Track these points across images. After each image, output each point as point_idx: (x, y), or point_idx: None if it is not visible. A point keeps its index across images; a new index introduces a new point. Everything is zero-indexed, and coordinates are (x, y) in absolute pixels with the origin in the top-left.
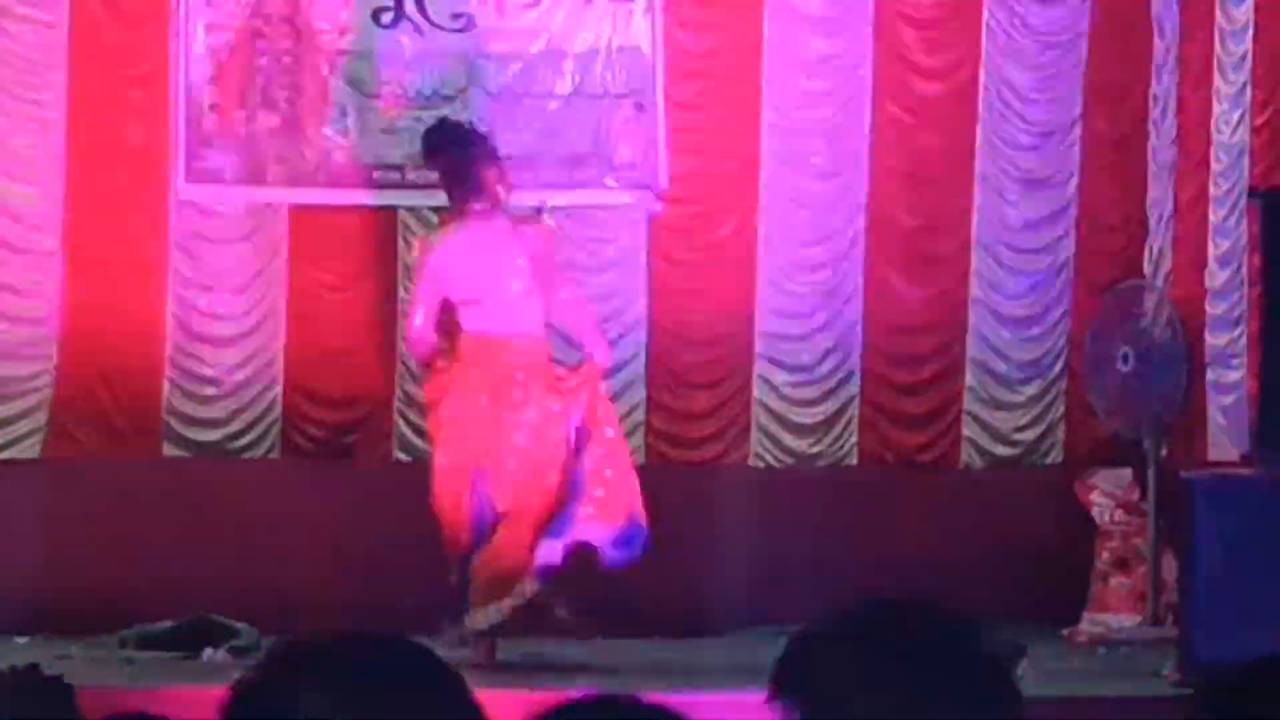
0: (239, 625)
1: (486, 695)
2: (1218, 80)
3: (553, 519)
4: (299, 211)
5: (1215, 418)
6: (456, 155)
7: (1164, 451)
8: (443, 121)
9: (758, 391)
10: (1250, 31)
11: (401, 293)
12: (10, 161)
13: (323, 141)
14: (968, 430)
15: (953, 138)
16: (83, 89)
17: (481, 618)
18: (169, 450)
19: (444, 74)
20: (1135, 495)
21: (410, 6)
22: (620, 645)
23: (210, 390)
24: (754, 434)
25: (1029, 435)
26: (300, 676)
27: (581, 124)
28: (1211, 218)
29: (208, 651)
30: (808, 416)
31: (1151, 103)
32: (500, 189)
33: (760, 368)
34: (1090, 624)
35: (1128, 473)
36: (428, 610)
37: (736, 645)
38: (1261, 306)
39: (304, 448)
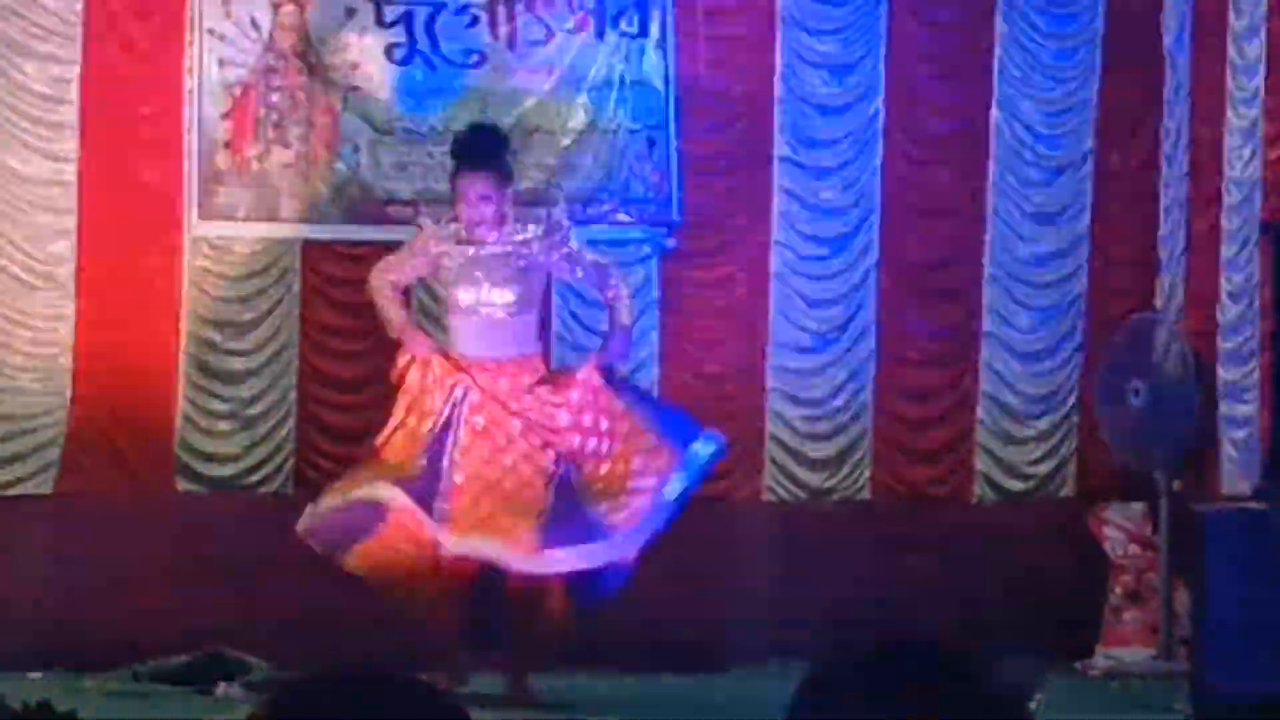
0: (252, 660)
1: None
2: (1230, 115)
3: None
4: (312, 247)
5: (1228, 452)
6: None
7: (1177, 485)
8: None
9: (770, 426)
10: (1262, 66)
11: None
12: (25, 197)
13: (335, 177)
14: (980, 464)
15: (965, 173)
16: (97, 125)
17: None
18: (182, 485)
19: (457, 110)
20: (1148, 529)
21: (423, 42)
22: (632, 680)
23: (224, 425)
24: (767, 468)
25: (1041, 469)
26: (310, 714)
27: (594, 159)
28: (1224, 252)
29: (221, 686)
30: (820, 451)
31: (1164, 137)
32: (463, 208)
33: (773, 402)
34: (1103, 657)
35: (1140, 506)
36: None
37: (749, 680)
38: (1273, 340)
39: (318, 482)
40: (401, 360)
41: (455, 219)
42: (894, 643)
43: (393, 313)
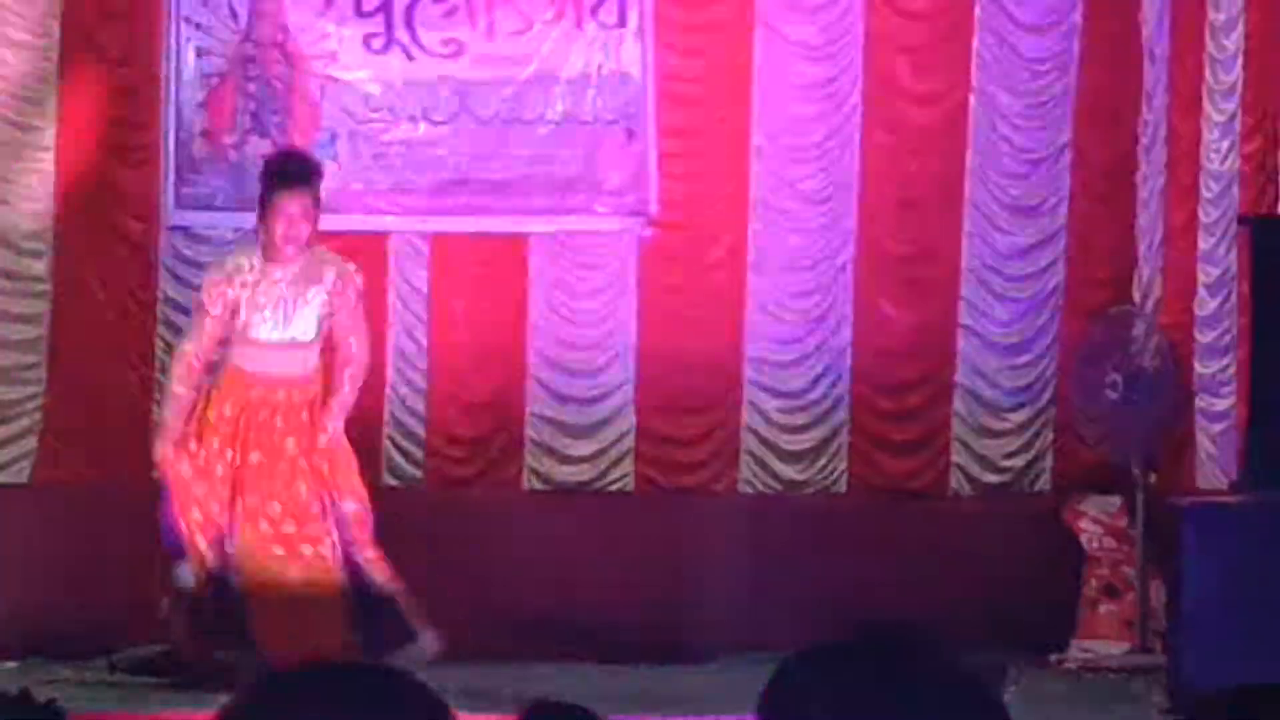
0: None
1: None
2: (1208, 108)
3: None
4: None
5: (1204, 445)
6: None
7: (1153, 478)
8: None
9: (747, 418)
10: (1240, 60)
11: (390, 317)
12: (1, 187)
13: None
14: (957, 457)
15: (943, 164)
16: (73, 114)
17: None
18: (158, 474)
19: (434, 99)
20: (1124, 522)
21: (401, 32)
22: (607, 672)
23: None
24: (743, 460)
25: (1018, 462)
26: (285, 703)
27: (571, 150)
28: (1201, 245)
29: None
30: (797, 443)
31: (1142, 130)
32: (280, 224)
33: (749, 394)
34: (1079, 651)
35: (1117, 500)
36: None
37: (724, 672)
38: (1250, 334)
39: None
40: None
41: (257, 248)
42: (865, 632)
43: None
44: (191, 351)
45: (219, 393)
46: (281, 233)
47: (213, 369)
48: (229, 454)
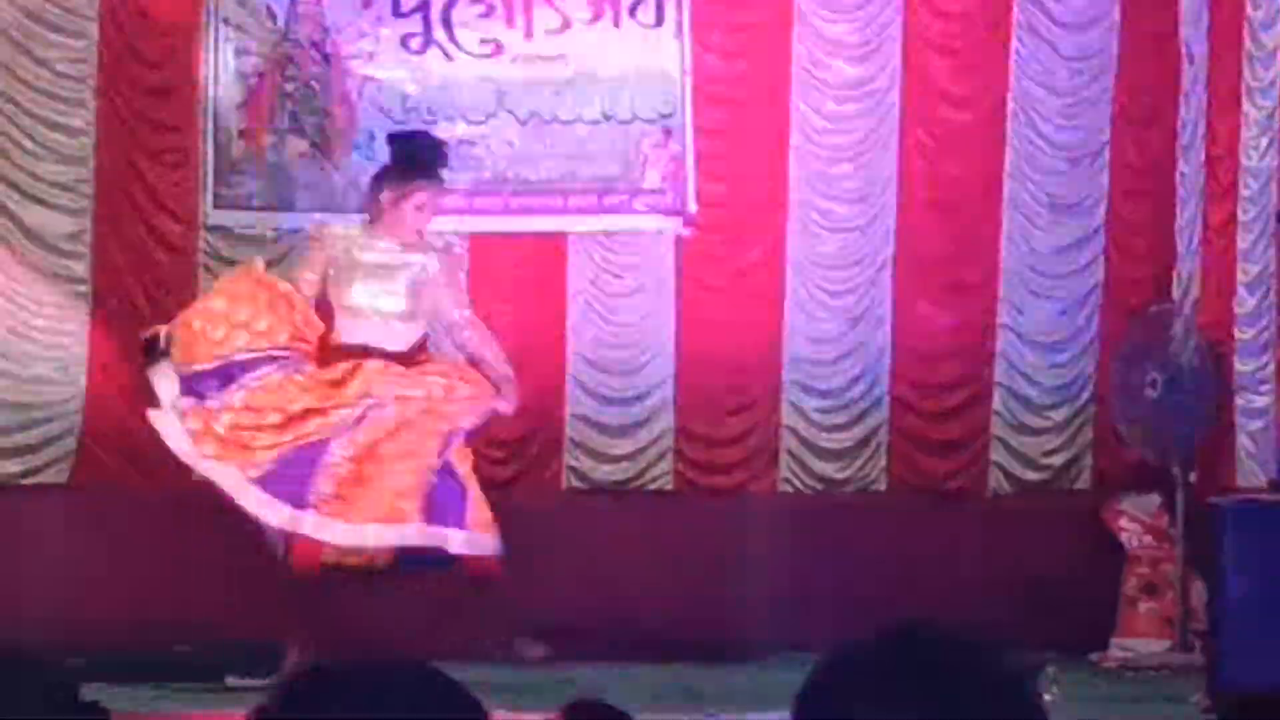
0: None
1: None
2: (1246, 106)
3: None
4: None
5: (1244, 443)
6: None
7: (1192, 477)
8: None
9: (786, 417)
10: (1279, 57)
11: None
12: (40, 188)
13: (351, 167)
14: (996, 456)
15: (981, 164)
16: (112, 115)
17: None
18: (198, 475)
19: (472, 99)
20: (1164, 521)
21: (439, 32)
22: (646, 670)
23: None
24: (782, 459)
25: (1057, 460)
26: (318, 703)
27: (610, 149)
28: (1240, 243)
29: (231, 678)
30: (836, 442)
31: (1180, 128)
32: (409, 213)
33: (789, 393)
34: (1119, 650)
35: (1156, 498)
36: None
37: (764, 671)
38: None
39: None
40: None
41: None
42: (904, 630)
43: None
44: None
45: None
46: (410, 220)
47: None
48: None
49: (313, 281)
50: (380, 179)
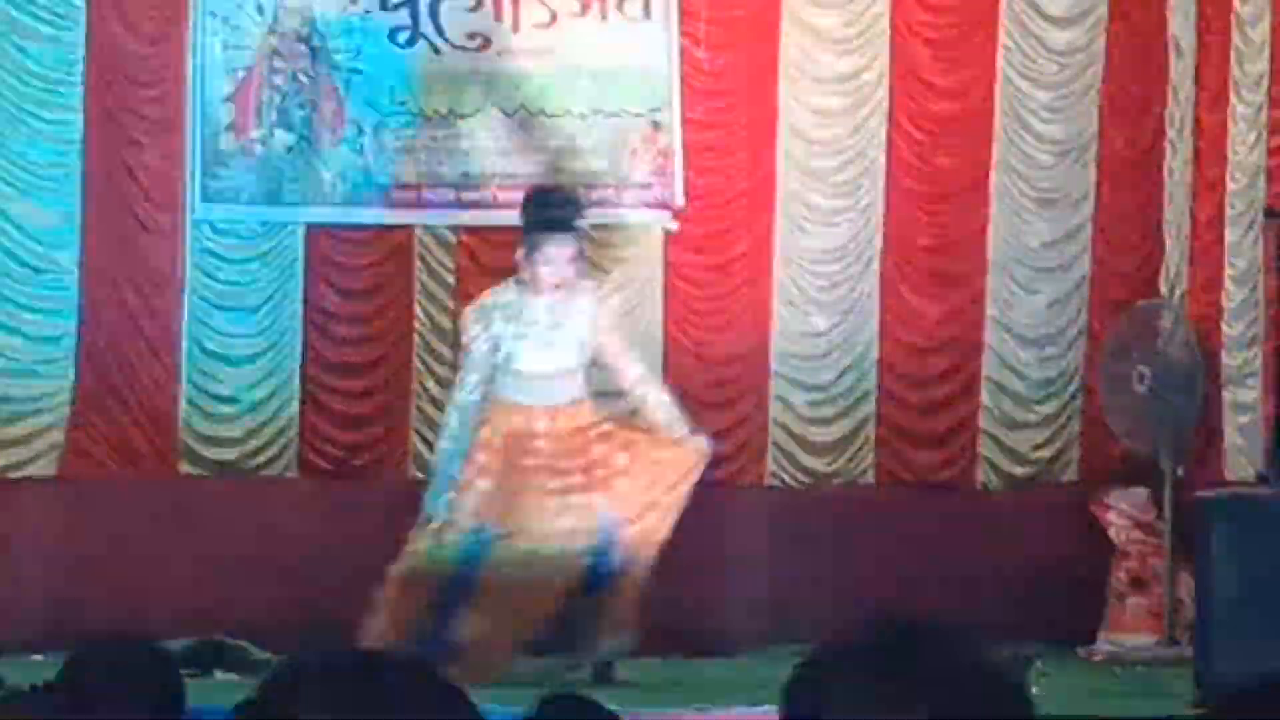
0: (251, 648)
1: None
2: (1234, 100)
3: None
4: (315, 230)
5: (1232, 437)
6: None
7: (1180, 471)
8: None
9: (774, 410)
10: (1267, 53)
11: (418, 311)
12: (27, 180)
13: (339, 160)
14: (984, 449)
15: (969, 157)
16: (99, 107)
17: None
18: (185, 468)
19: (460, 93)
20: (1152, 515)
21: (427, 26)
22: (635, 663)
23: (226, 409)
24: (770, 453)
25: (1045, 454)
26: (302, 696)
27: (597, 143)
28: (1228, 237)
29: (218, 673)
30: (824, 435)
31: (1168, 122)
32: (544, 270)
33: (777, 386)
34: (1107, 643)
35: (1144, 492)
36: None
37: (752, 664)
38: (1278, 326)
39: (320, 466)
40: None
41: (519, 279)
42: (891, 624)
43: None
44: (463, 401)
45: (485, 425)
46: (545, 276)
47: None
48: (487, 478)
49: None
50: (523, 241)
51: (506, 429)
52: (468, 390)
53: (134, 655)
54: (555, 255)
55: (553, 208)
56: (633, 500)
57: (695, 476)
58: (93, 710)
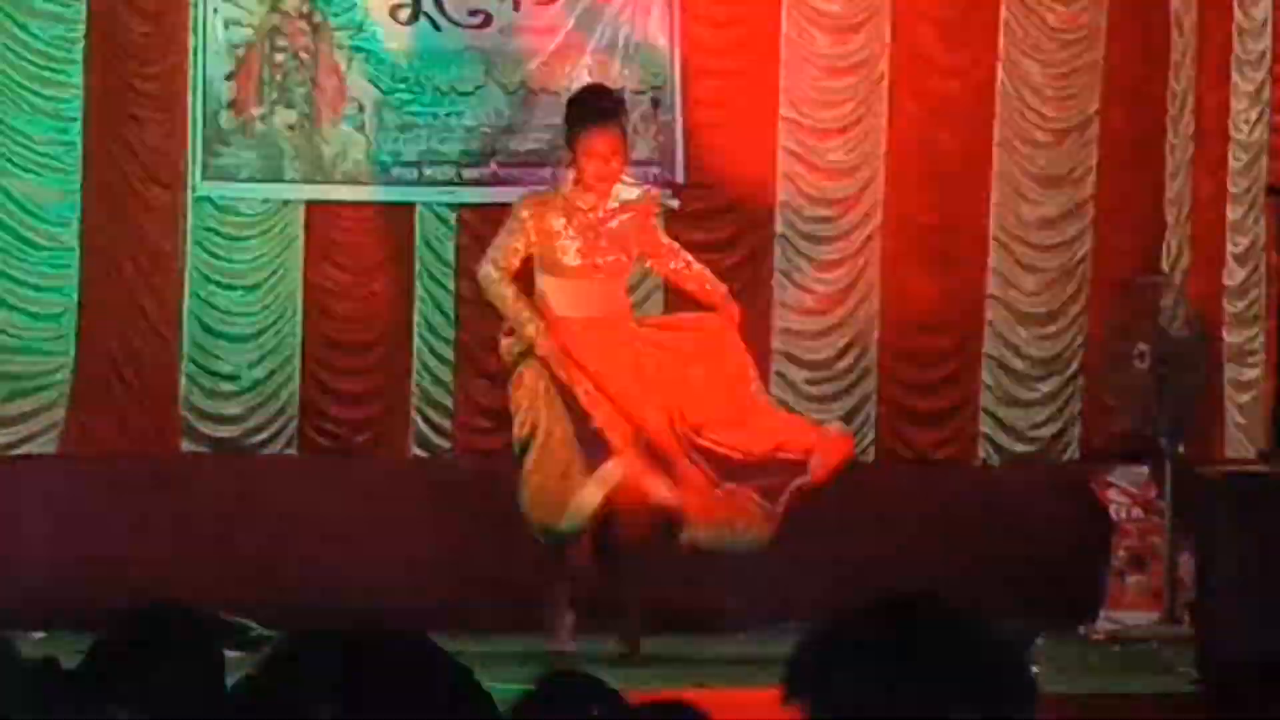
0: (252, 624)
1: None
2: (1236, 78)
3: None
4: (316, 208)
5: (1233, 415)
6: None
7: (1181, 449)
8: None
9: (774, 388)
10: (1268, 30)
11: (419, 288)
12: (27, 157)
13: (340, 138)
14: (984, 427)
15: (970, 135)
16: (100, 84)
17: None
18: (187, 446)
19: (461, 70)
20: (1152, 493)
21: (428, 3)
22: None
23: (227, 386)
24: None
25: (1046, 432)
26: (303, 671)
27: None
28: (1229, 215)
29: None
30: (824, 414)
31: (1169, 100)
32: (592, 163)
33: (777, 364)
34: (1107, 621)
35: (1144, 470)
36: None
37: (753, 641)
38: (1279, 304)
39: (321, 444)
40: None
41: (569, 178)
42: (893, 602)
43: (523, 312)
44: (496, 272)
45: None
46: (594, 171)
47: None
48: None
49: (519, 253)
50: (566, 143)
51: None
52: (493, 269)
53: (179, 621)
54: (597, 147)
55: (596, 101)
56: None
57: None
58: (143, 679)
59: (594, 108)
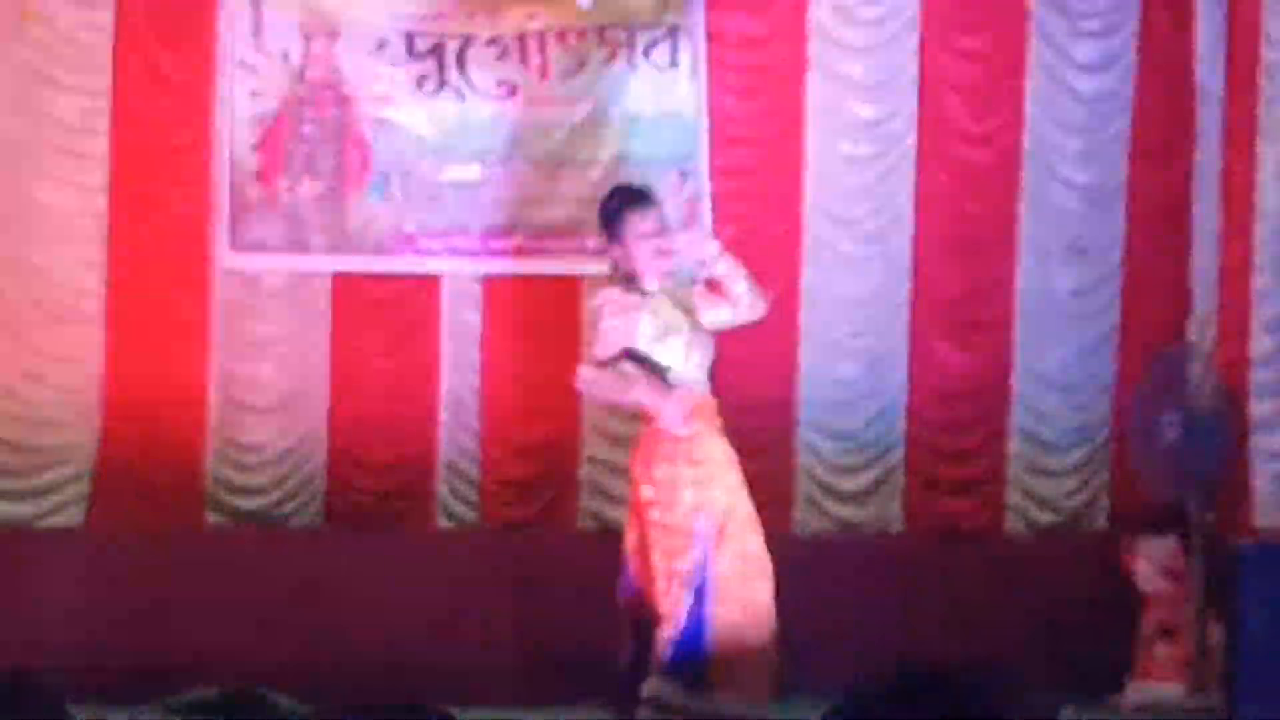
0: (281, 698)
1: None
2: (1260, 146)
3: None
4: (342, 279)
5: (1261, 485)
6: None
7: (1210, 518)
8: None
9: (802, 458)
10: None
11: (443, 359)
12: (53, 229)
13: (366, 209)
14: (1013, 497)
15: (997, 203)
16: (126, 156)
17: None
18: (212, 518)
19: (486, 141)
20: (1181, 563)
21: (453, 74)
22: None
23: (253, 458)
24: (798, 501)
25: (1075, 502)
26: None
27: None
28: (1256, 284)
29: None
30: (852, 484)
31: (1195, 169)
32: (641, 246)
33: (804, 434)
34: (1135, 692)
35: (1173, 540)
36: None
37: (781, 711)
38: None
39: (348, 515)
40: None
41: (623, 272)
42: (921, 673)
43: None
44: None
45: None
46: (651, 252)
47: None
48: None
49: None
50: (609, 243)
51: None
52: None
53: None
54: (643, 227)
55: (630, 189)
56: None
57: None
58: None
59: (630, 192)
